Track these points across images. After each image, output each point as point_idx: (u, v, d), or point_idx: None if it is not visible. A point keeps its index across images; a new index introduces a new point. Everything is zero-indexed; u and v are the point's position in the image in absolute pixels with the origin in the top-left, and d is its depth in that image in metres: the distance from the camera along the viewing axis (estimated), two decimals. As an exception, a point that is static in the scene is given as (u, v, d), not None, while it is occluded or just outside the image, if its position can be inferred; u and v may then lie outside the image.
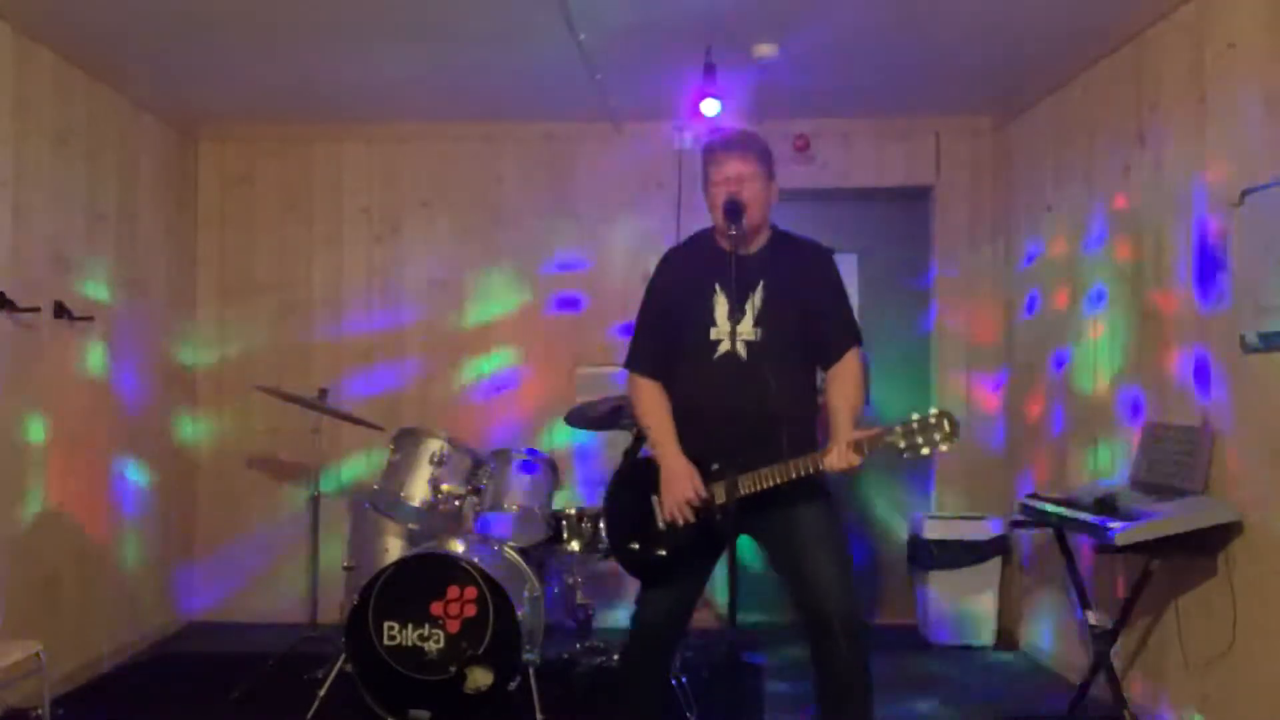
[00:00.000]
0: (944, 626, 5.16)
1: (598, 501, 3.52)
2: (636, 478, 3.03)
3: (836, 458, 2.73)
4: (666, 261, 3.16)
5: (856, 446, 2.72)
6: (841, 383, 2.96)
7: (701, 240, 3.11)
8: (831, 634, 2.78)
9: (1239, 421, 3.40)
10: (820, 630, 2.81)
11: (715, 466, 2.83)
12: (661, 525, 2.93)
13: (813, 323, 2.97)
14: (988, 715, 4.15)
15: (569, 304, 5.59)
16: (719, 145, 2.99)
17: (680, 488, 2.88)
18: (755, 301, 2.93)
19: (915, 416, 2.69)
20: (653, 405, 3.03)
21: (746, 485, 2.78)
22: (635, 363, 3.10)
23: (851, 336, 3.02)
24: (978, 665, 4.91)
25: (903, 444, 2.68)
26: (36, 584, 4.16)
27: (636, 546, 2.98)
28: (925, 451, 2.67)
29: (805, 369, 3.02)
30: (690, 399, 2.99)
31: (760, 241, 3.01)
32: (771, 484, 2.79)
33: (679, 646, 3.27)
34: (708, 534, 2.87)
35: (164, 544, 5.28)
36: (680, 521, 2.89)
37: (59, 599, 4.30)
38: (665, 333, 3.05)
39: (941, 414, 2.67)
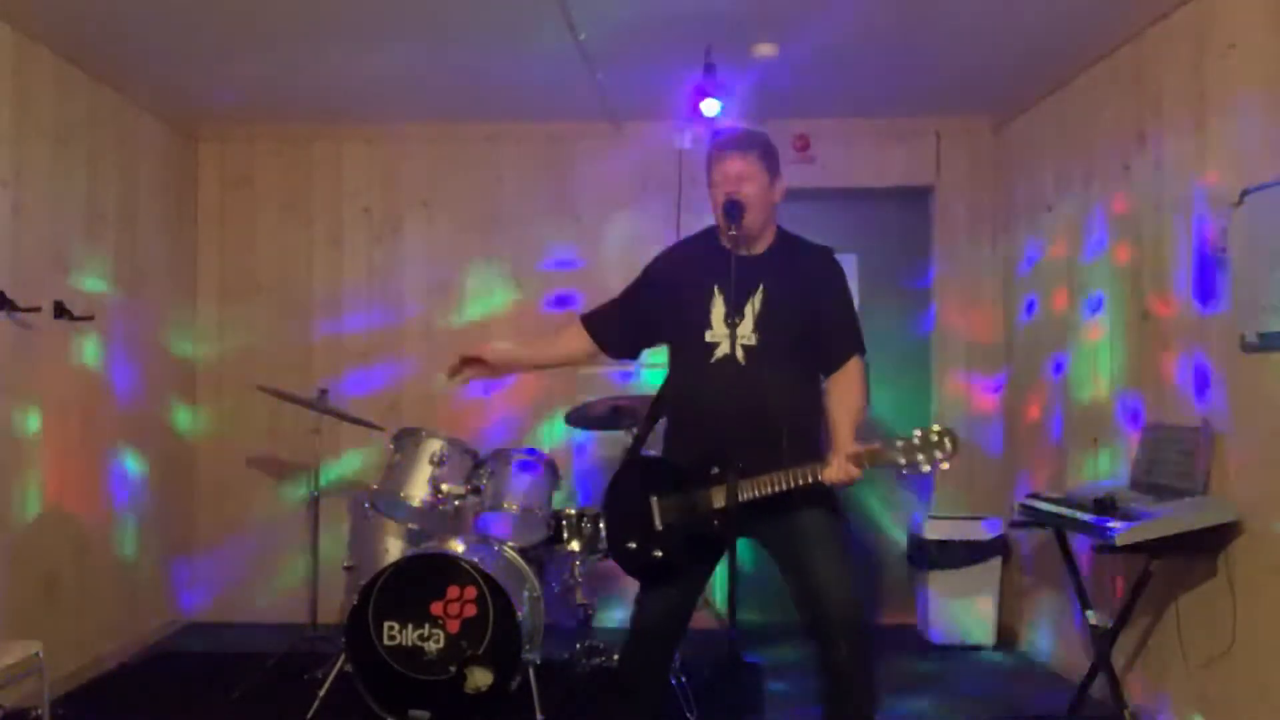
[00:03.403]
0: (944, 626, 5.16)
1: (592, 501, 3.52)
2: (635, 477, 3.02)
3: (836, 470, 2.71)
4: (668, 253, 3.17)
5: (856, 460, 2.70)
6: (842, 392, 2.93)
7: (706, 238, 3.08)
8: (833, 636, 2.77)
9: (1239, 422, 3.40)
10: (822, 632, 2.80)
11: (714, 470, 2.82)
12: (659, 526, 2.91)
13: (815, 328, 2.94)
14: (988, 715, 4.15)
15: (567, 303, 5.58)
16: (720, 144, 2.98)
17: (470, 350, 3.24)
18: (755, 304, 2.91)
19: (917, 432, 2.67)
20: (555, 335, 3.42)
21: (746, 492, 2.77)
22: (585, 312, 3.30)
23: (854, 345, 2.98)
24: (978, 665, 4.91)
25: (903, 460, 2.66)
26: (36, 584, 4.16)
27: (634, 546, 2.97)
28: (926, 469, 2.65)
29: (806, 374, 2.99)
30: (688, 402, 2.98)
31: (764, 243, 3.00)
32: (770, 491, 2.77)
33: (678, 647, 3.26)
34: (705, 536, 2.87)
35: (164, 544, 5.29)
36: (659, 525, 2.92)
37: (59, 599, 4.30)
38: (636, 314, 3.14)
39: (944, 431, 2.66)
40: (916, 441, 2.66)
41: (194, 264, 5.63)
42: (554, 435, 5.43)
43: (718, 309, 2.91)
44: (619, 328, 3.18)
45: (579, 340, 3.21)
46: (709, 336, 2.92)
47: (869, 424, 2.97)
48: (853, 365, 2.96)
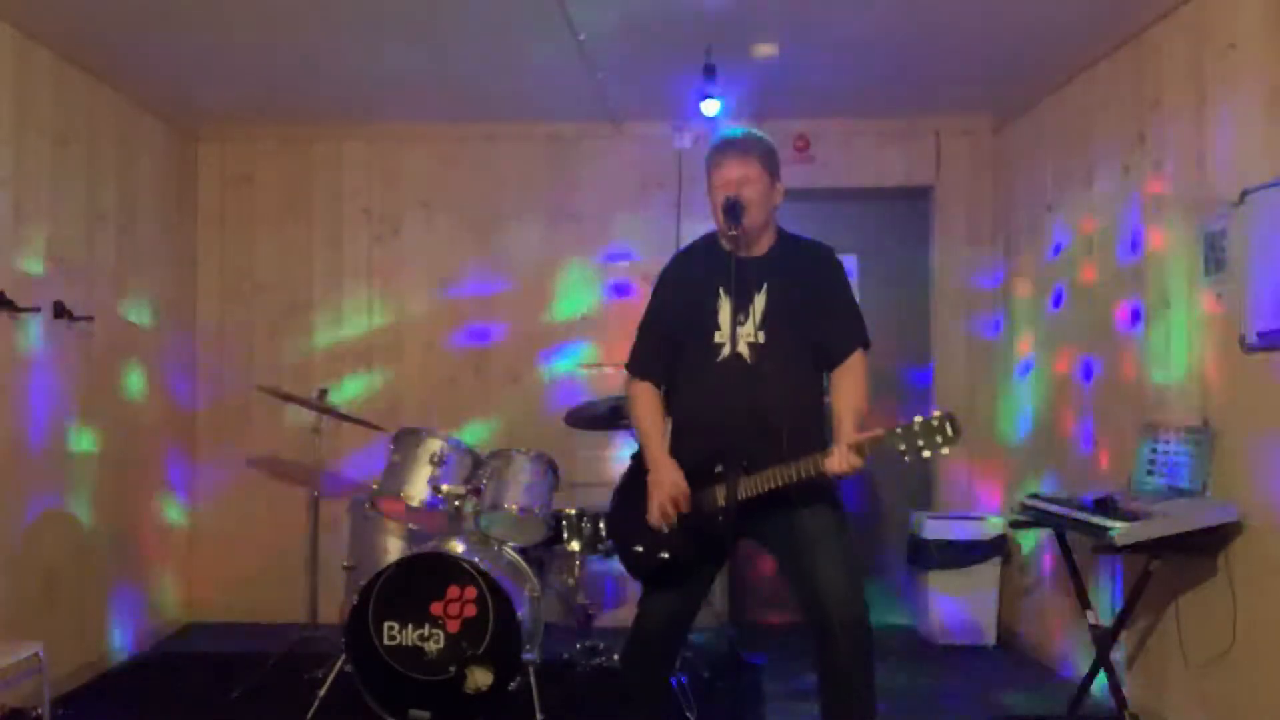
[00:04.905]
0: (944, 626, 5.16)
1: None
2: (642, 480, 3.01)
3: (837, 460, 2.71)
4: (672, 264, 3.16)
5: (857, 449, 2.70)
6: (845, 385, 2.94)
7: (707, 242, 3.08)
8: (833, 634, 2.77)
9: (1239, 421, 3.40)
10: (823, 631, 2.80)
11: (718, 469, 2.82)
12: (666, 528, 2.92)
13: (818, 325, 2.95)
14: (988, 715, 4.15)
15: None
16: (719, 147, 2.98)
17: (664, 492, 2.88)
18: (759, 304, 2.92)
19: (918, 419, 2.66)
20: (645, 408, 3.03)
21: (747, 489, 2.77)
22: (633, 365, 3.11)
23: (857, 339, 2.98)
24: (978, 665, 4.91)
25: (903, 446, 2.66)
26: (36, 584, 4.16)
27: (640, 549, 2.97)
28: (926, 454, 2.64)
29: (811, 372, 2.99)
30: (695, 402, 2.98)
31: (765, 243, 3.00)
32: (772, 487, 2.77)
33: (680, 649, 3.25)
34: (711, 537, 2.86)
35: (164, 544, 5.29)
36: (664, 527, 2.88)
37: (59, 599, 4.30)
38: (668, 335, 3.04)
39: (944, 416, 2.65)
40: (917, 428, 2.65)
41: (194, 264, 5.63)
42: (554, 435, 5.42)
43: (724, 310, 2.91)
44: (659, 358, 3.06)
45: (650, 390, 3.06)
46: (717, 337, 2.93)
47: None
48: (856, 359, 2.96)
